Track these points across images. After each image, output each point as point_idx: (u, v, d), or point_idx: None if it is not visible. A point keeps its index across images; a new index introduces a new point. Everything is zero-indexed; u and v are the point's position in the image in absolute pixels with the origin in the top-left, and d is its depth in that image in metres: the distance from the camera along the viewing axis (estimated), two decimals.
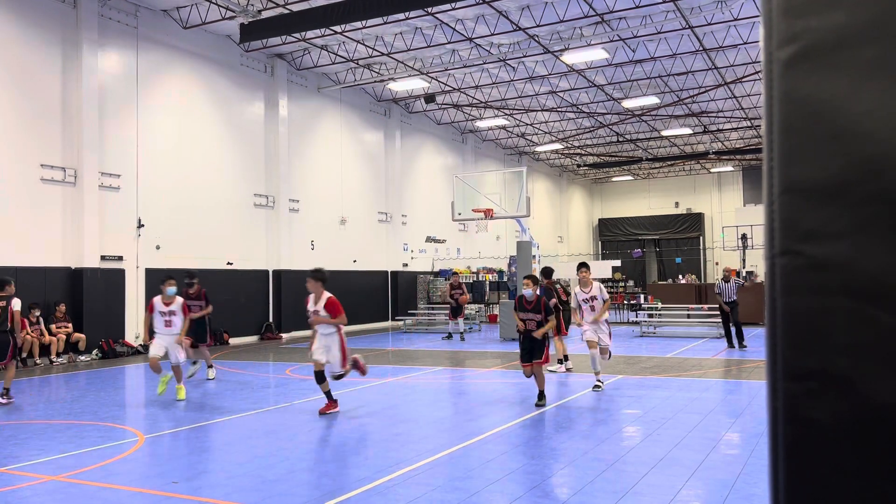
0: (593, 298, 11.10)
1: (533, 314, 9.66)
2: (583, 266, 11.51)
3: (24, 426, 8.65)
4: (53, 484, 6.10)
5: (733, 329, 16.62)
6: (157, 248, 18.98)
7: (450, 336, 20.77)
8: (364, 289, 26.37)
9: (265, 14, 18.14)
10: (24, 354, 15.22)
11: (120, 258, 18.04)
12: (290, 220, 23.32)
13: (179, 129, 19.89)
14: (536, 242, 21.96)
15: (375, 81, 24.80)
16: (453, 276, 21.71)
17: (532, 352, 9.72)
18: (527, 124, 32.51)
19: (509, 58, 22.99)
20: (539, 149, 37.47)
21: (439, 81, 25.35)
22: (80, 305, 16.95)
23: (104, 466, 6.68)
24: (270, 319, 22.55)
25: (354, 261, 26.11)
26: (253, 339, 21.63)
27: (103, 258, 17.56)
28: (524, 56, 22.94)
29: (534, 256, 20.69)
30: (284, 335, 22.28)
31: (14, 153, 15.97)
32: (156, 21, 19.13)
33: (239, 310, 21.22)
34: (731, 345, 16.68)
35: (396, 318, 26.40)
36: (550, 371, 12.21)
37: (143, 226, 18.64)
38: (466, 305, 22.03)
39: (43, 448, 7.47)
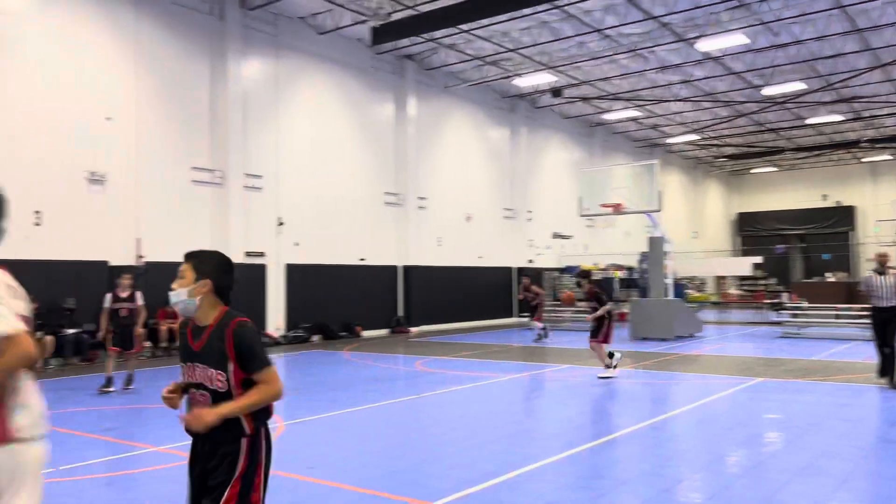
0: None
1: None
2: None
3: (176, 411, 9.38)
4: None
5: (886, 351, 10.73)
6: (296, 244, 19.98)
7: (540, 337, 19.43)
8: (489, 285, 26.51)
9: (395, 17, 18.61)
10: (164, 344, 16.49)
11: (262, 254, 19.14)
12: (418, 218, 23.82)
13: (315, 132, 20.83)
14: (669, 238, 21.20)
15: (501, 78, 24.82)
16: (525, 279, 20.59)
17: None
18: (659, 115, 31.42)
19: (640, 47, 22.31)
20: (672, 140, 36.12)
21: (566, 75, 25.01)
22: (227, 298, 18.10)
23: None
24: (400, 313, 23.15)
25: (480, 257, 26.29)
26: (383, 332, 22.30)
27: (247, 254, 18.70)
28: (656, 45, 22.17)
29: (666, 252, 19.99)
30: (413, 329, 22.81)
31: (169, 157, 17.32)
32: (293, 28, 20.12)
33: (370, 304, 21.96)
34: (883, 373, 10.81)
35: (522, 314, 26.35)
36: (604, 378, 11.74)
37: (282, 224, 19.67)
38: (543, 304, 20.14)
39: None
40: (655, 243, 19.94)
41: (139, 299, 11.28)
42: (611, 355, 11.98)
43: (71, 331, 14.80)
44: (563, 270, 29.18)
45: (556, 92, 25.55)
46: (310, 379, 12.50)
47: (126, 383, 11.17)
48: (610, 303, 12.48)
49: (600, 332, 12.01)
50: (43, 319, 14.40)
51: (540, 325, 19.55)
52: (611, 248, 31.66)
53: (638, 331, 19.30)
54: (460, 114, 26.08)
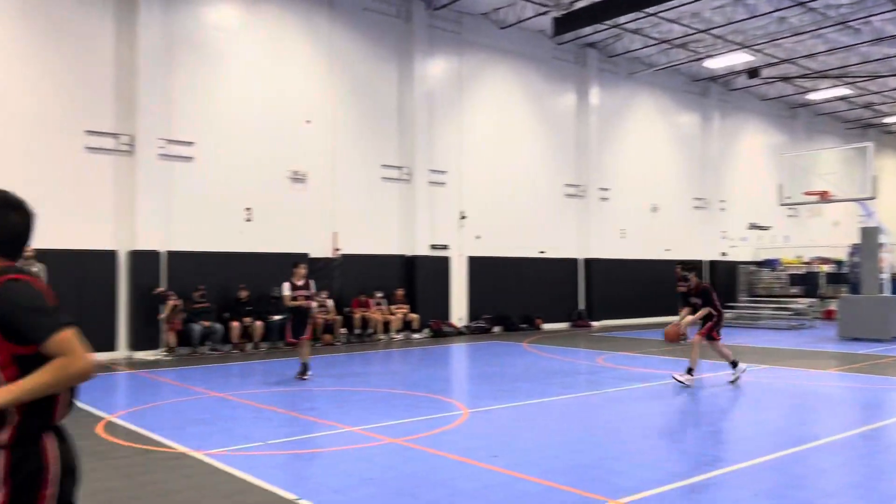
0: None
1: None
2: None
3: (371, 393, 9.94)
4: (392, 446, 6.92)
5: None
6: (477, 237, 20.38)
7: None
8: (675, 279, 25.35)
9: (577, 5, 18.32)
10: (372, 331, 17.48)
11: (445, 247, 19.75)
12: (600, 209, 23.33)
13: (496, 126, 21.08)
14: (886, 228, 19.06)
15: (691, 60, 23.59)
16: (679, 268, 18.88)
17: None
18: (874, 92, 28.26)
19: (851, 19, 20.17)
20: (889, 120, 32.36)
21: (764, 53, 23.22)
22: (414, 289, 18.92)
23: (434, 435, 7.39)
24: (581, 307, 22.84)
25: (667, 249, 25.22)
26: (563, 325, 22.12)
27: (432, 247, 19.39)
28: (870, 15, 19.94)
29: (881, 244, 17.99)
30: (595, 323, 22.40)
31: (361, 156, 18.36)
32: (476, 25, 20.48)
33: (551, 297, 21.87)
34: None
35: None
36: (680, 381, 10.54)
37: (465, 217, 20.15)
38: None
39: (385, 413, 8.51)
40: (869, 234, 18.02)
41: (313, 287, 11.52)
42: (734, 364, 10.86)
43: (277, 317, 16.17)
44: (760, 264, 27.22)
45: (752, 73, 23.86)
46: (492, 369, 12.71)
47: (301, 372, 11.23)
48: (712, 308, 10.77)
49: (701, 326, 10.79)
50: (253, 306, 15.90)
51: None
52: (815, 239, 28.98)
53: (847, 330, 17.58)
54: (645, 100, 25.16)
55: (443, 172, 19.74)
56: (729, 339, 18.26)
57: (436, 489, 5.48)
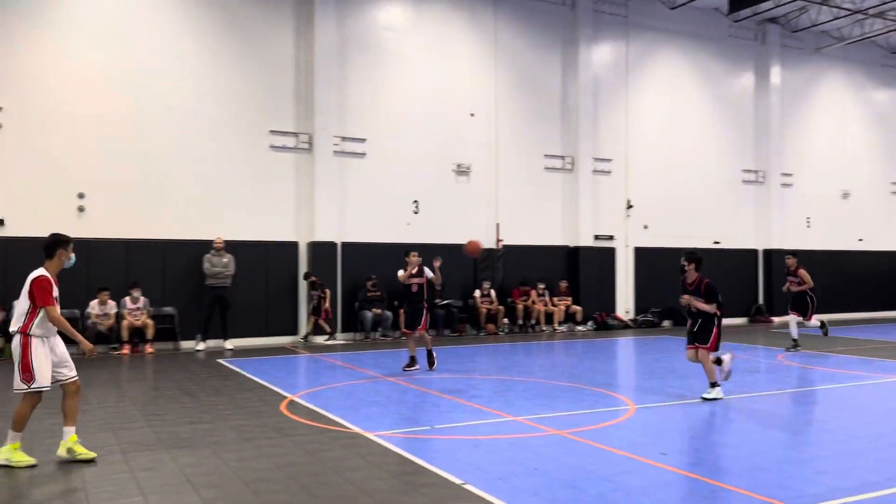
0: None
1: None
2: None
3: (534, 384, 9.95)
4: (556, 437, 6.89)
5: None
6: (645, 227, 19.71)
7: (795, 345, 14.25)
8: (872, 272, 23.06)
9: None
10: (535, 322, 17.48)
11: (611, 237, 19.29)
12: (782, 196, 21.72)
13: (665, 111, 20.24)
14: None
15: (889, 31, 21.29)
16: None
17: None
18: None
19: None
20: None
21: None
22: (577, 281, 18.66)
23: (599, 429, 7.26)
24: (760, 301, 21.43)
25: (860, 240, 23.01)
26: (741, 320, 20.87)
27: (596, 238, 19.01)
28: None
29: None
30: (775, 319, 20.91)
31: (524, 146, 18.37)
32: (644, 7, 19.76)
33: (726, 290, 20.61)
34: None
35: None
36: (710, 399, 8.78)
37: (631, 206, 19.56)
38: None
39: (548, 405, 8.49)
40: None
41: (428, 273, 11.09)
42: (718, 361, 9.06)
43: (442, 303, 16.62)
44: None
45: None
46: (660, 364, 12.26)
47: (428, 364, 11.05)
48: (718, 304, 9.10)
49: (709, 335, 9.01)
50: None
51: (815, 322, 14.16)
52: None
53: None
54: (835, 77, 23.04)
55: (608, 161, 19.28)
56: None
57: (601, 483, 5.39)
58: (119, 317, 13.57)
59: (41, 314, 5.80)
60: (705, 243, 20.52)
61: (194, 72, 14.91)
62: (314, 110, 15.71)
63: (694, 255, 9.22)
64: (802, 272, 13.77)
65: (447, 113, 17.40)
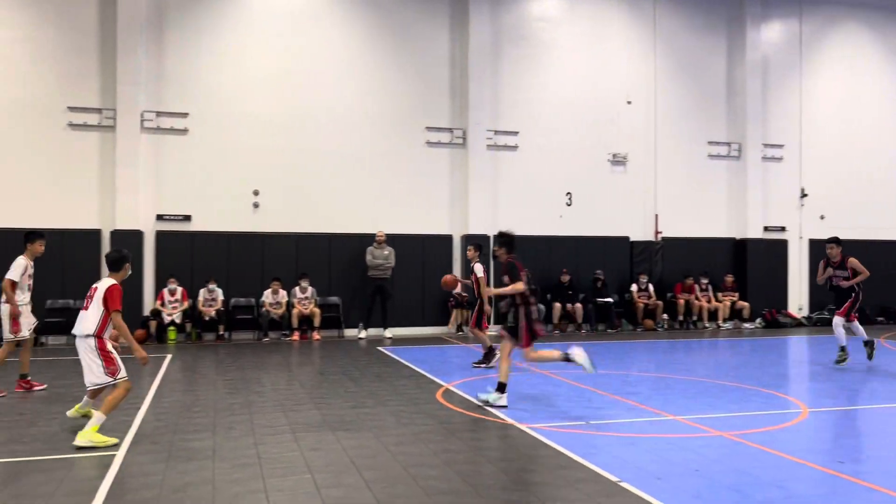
0: None
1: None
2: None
3: (696, 383, 9.52)
4: (720, 439, 6.55)
5: None
6: (821, 217, 18.25)
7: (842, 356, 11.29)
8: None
9: None
10: (696, 318, 16.71)
11: (782, 229, 18.04)
12: None
13: (845, 90, 18.61)
14: None
15: None
16: None
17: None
18: None
19: None
20: None
21: None
22: (744, 275, 17.60)
23: (767, 432, 6.82)
24: None
25: None
26: None
27: (766, 229, 17.84)
28: None
29: None
30: None
31: (685, 134, 17.61)
32: None
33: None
34: None
35: None
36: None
37: (806, 195, 18.18)
38: None
39: (711, 405, 8.09)
40: None
41: (479, 272, 10.76)
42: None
43: (599, 300, 16.31)
44: None
45: None
46: (838, 365, 11.29)
47: (486, 360, 10.79)
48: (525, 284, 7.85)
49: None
50: (573, 290, 16.22)
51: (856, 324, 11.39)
52: None
53: None
54: None
55: (779, 147, 18.03)
56: None
57: (769, 489, 5.07)
58: (289, 305, 14.56)
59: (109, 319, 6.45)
60: (893, 234, 18.67)
61: (356, 72, 15.63)
62: (468, 105, 15.95)
63: (505, 236, 8.77)
64: (853, 261, 11.12)
65: (602, 102, 17.02)
